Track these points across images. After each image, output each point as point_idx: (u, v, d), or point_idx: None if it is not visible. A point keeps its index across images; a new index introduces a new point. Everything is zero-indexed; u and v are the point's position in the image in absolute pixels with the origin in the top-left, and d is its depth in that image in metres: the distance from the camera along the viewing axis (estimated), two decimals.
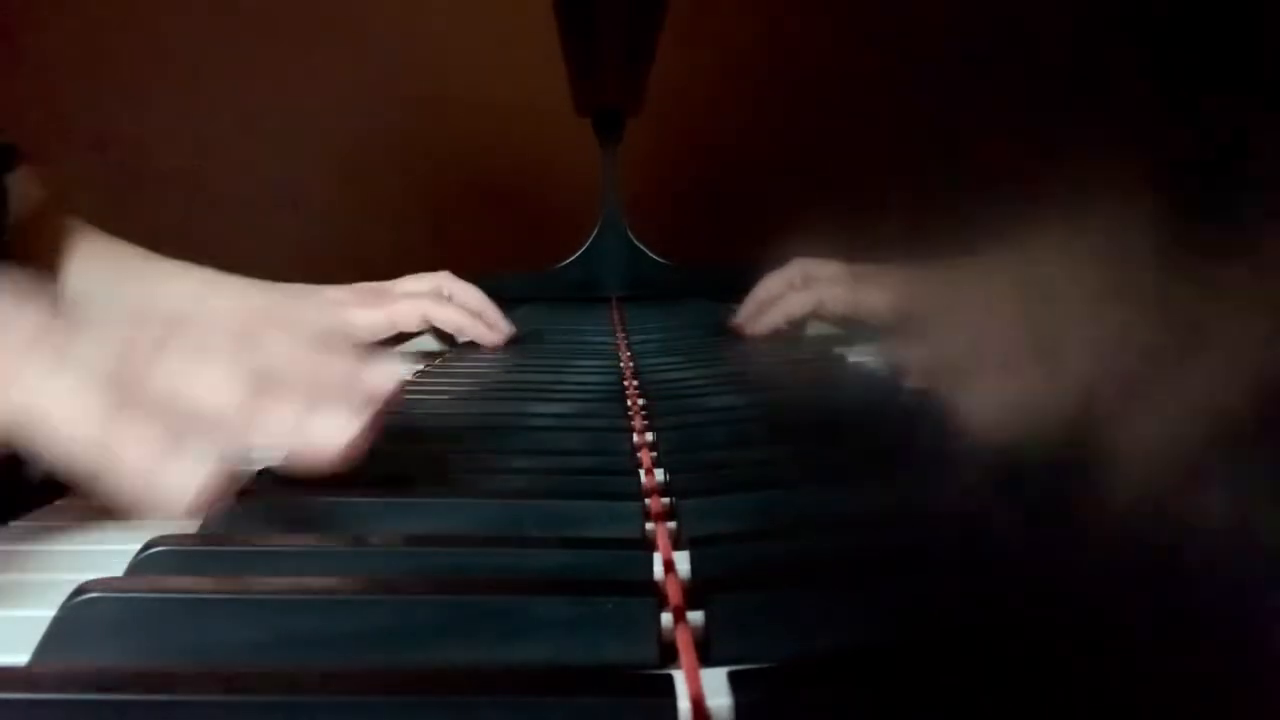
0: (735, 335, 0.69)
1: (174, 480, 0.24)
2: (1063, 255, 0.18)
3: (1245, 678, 0.13)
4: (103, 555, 0.26)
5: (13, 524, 0.31)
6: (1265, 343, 0.12)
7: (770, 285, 0.68)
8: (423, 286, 0.72)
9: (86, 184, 0.78)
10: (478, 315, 0.72)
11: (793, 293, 0.68)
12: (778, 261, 0.55)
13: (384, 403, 0.31)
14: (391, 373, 0.32)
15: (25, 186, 0.71)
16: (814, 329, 0.68)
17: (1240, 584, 0.13)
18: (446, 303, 0.71)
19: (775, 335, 0.66)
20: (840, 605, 0.21)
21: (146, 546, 0.24)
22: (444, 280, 0.73)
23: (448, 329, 0.71)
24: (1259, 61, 0.12)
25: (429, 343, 0.75)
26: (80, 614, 0.20)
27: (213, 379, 0.28)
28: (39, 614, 0.21)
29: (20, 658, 0.20)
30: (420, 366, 0.63)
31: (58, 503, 0.33)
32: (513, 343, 0.73)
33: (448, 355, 0.71)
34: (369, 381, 0.31)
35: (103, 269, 0.73)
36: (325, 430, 0.27)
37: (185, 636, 0.20)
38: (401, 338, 0.74)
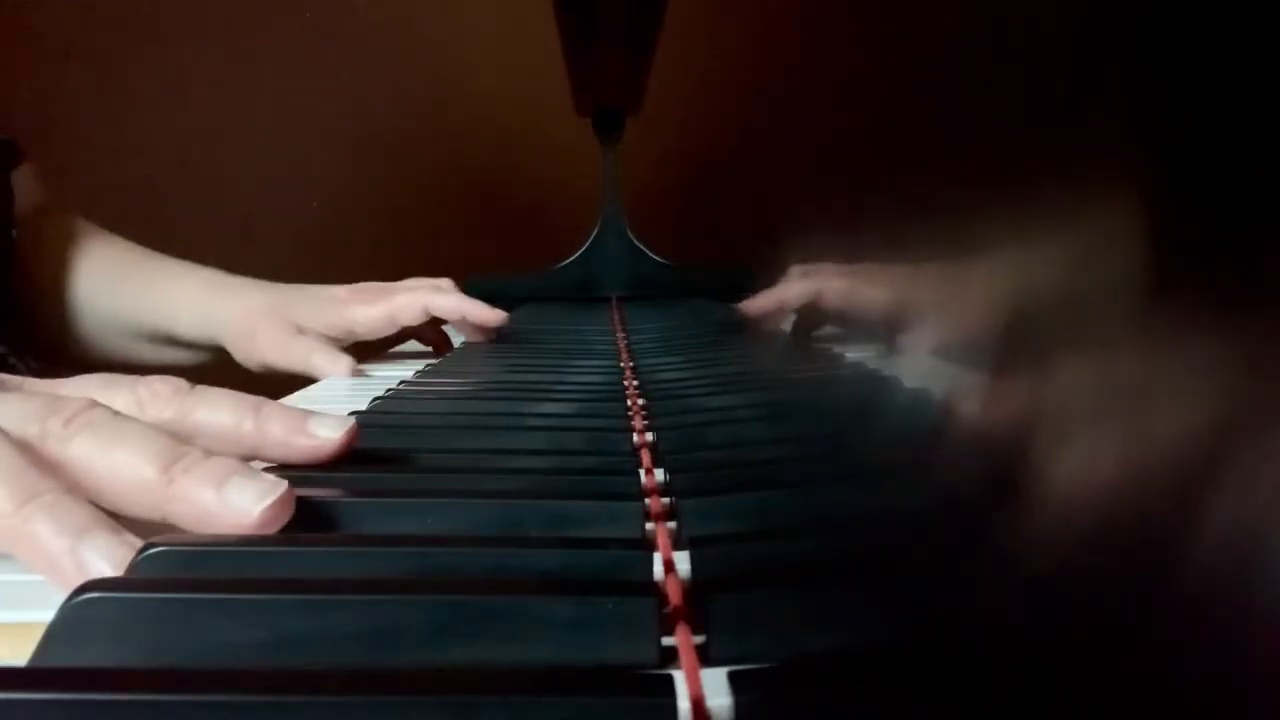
0: (732, 326, 0.69)
1: (84, 564, 0.24)
2: (1058, 254, 0.18)
3: (1245, 678, 0.13)
4: None
5: None
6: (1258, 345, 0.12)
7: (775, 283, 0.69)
8: (422, 284, 0.73)
9: (82, 183, 0.78)
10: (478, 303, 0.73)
11: (792, 280, 0.69)
12: (777, 261, 0.55)
13: (334, 452, 0.32)
14: (331, 430, 0.33)
15: (27, 184, 0.72)
16: (815, 329, 0.68)
17: (1240, 584, 0.13)
18: (446, 292, 0.71)
19: (774, 330, 0.67)
20: (840, 605, 0.21)
21: (146, 546, 0.24)
22: (444, 283, 0.74)
23: (450, 317, 0.72)
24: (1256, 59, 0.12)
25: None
26: (80, 614, 0.20)
27: (126, 455, 0.28)
28: (39, 614, 0.21)
29: (20, 658, 0.20)
30: (420, 366, 0.63)
31: None
32: (513, 343, 0.73)
33: (448, 355, 0.71)
34: (309, 439, 0.32)
35: (106, 269, 0.73)
36: (240, 499, 0.27)
37: (185, 636, 0.20)
38: (403, 336, 0.74)
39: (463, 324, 0.74)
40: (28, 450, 0.27)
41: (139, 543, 0.25)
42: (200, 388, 0.33)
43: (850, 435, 0.37)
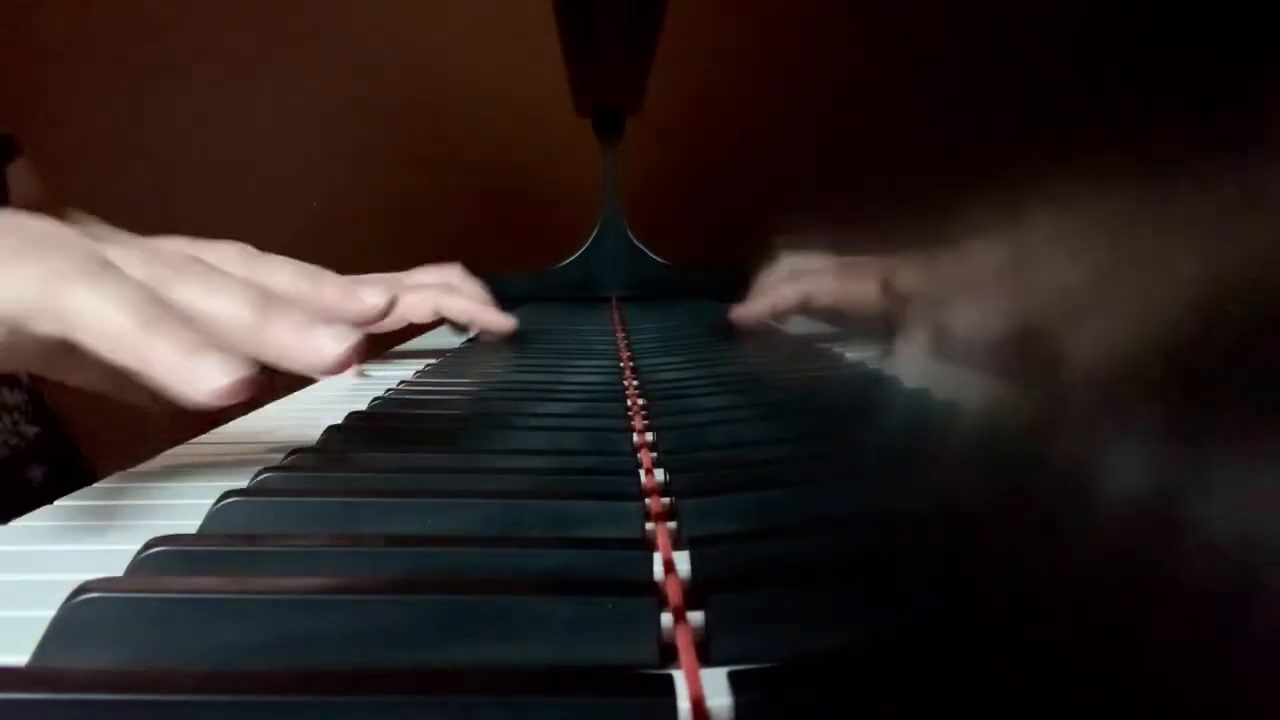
0: (730, 328, 0.70)
1: (203, 372, 0.28)
2: (1049, 246, 0.18)
3: (1245, 679, 0.13)
4: (103, 555, 0.26)
5: (13, 524, 0.31)
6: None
7: (764, 282, 0.69)
8: (431, 278, 0.73)
9: (82, 183, 0.78)
10: (487, 306, 0.72)
11: (781, 284, 0.69)
12: (771, 259, 0.55)
13: (377, 316, 0.37)
14: (377, 297, 0.38)
15: (25, 178, 0.71)
16: (810, 328, 0.68)
17: (1240, 584, 0.13)
18: (456, 293, 0.71)
19: (768, 330, 0.67)
20: (841, 605, 0.21)
21: (146, 546, 0.24)
22: (452, 274, 0.73)
23: (459, 320, 0.72)
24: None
25: (445, 335, 0.76)
26: (80, 614, 0.20)
27: (226, 300, 0.32)
28: (39, 614, 0.21)
29: (20, 658, 0.20)
30: (420, 366, 0.63)
31: (58, 503, 0.33)
32: (513, 343, 0.73)
33: (447, 355, 0.71)
34: (359, 304, 0.37)
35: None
36: (324, 343, 0.31)
37: (185, 636, 0.20)
38: (410, 331, 0.74)
39: (471, 325, 0.73)
40: (149, 285, 0.30)
41: (244, 365, 0.28)
42: (263, 254, 0.38)
43: (850, 435, 0.37)
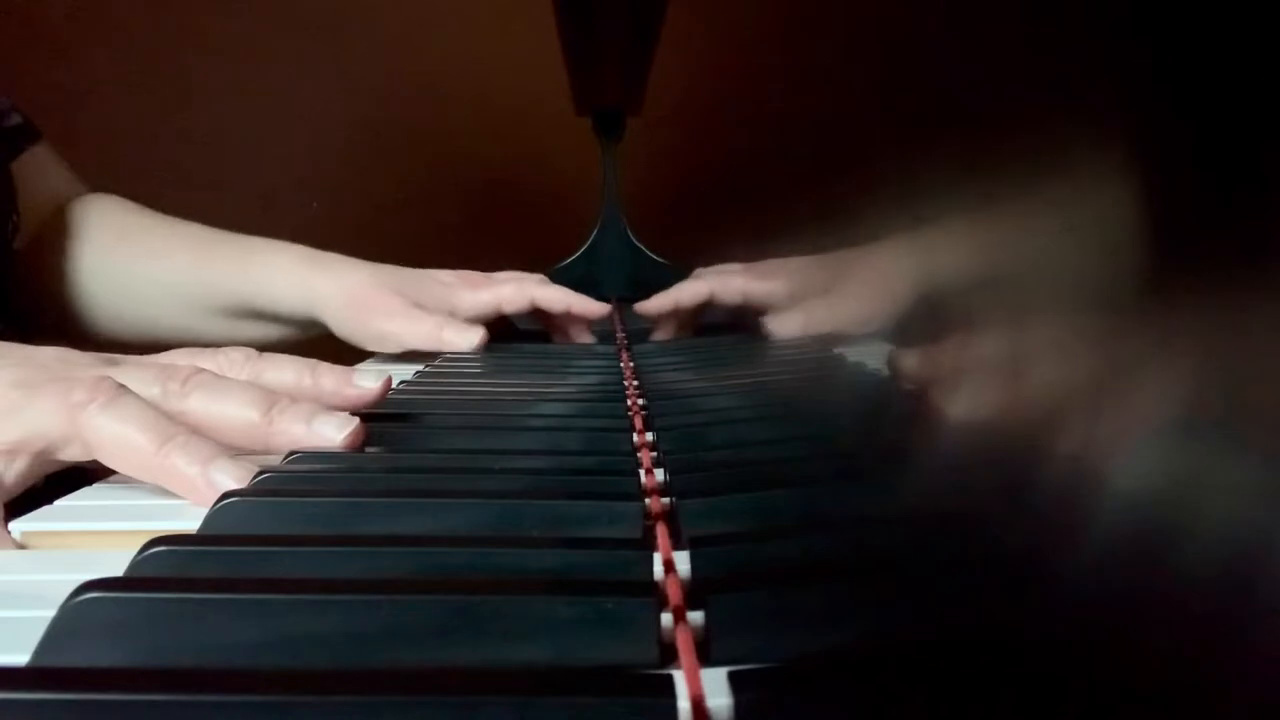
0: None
1: (216, 480, 0.32)
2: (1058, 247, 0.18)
3: (1245, 679, 0.13)
4: (103, 555, 0.26)
5: (13, 524, 0.31)
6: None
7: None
8: (522, 278, 0.76)
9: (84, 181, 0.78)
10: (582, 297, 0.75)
11: (686, 282, 0.73)
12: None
13: (375, 399, 0.41)
14: (374, 377, 0.41)
15: (45, 165, 0.71)
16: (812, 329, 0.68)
17: (1240, 584, 0.13)
18: (549, 285, 0.74)
19: (764, 332, 0.67)
20: (841, 605, 0.21)
21: (146, 546, 0.24)
22: (539, 278, 0.77)
23: (555, 309, 0.74)
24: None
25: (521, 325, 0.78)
26: (80, 614, 0.20)
27: (234, 406, 0.35)
28: (39, 614, 0.21)
29: (20, 658, 0.20)
30: (420, 366, 0.63)
31: (58, 503, 0.33)
32: (513, 343, 0.73)
33: (447, 355, 0.70)
34: (355, 390, 0.40)
35: (165, 244, 0.73)
36: (326, 431, 0.36)
37: (185, 636, 0.20)
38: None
39: (565, 318, 0.75)
40: (154, 406, 0.33)
41: (254, 466, 0.32)
42: (265, 354, 0.41)
43: (850, 435, 0.37)
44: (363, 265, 0.72)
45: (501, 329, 0.76)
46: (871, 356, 0.34)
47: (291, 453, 0.35)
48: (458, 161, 1.39)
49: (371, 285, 0.70)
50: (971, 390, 0.23)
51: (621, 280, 1.10)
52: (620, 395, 0.49)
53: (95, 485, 0.35)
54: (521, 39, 1.11)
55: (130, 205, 0.75)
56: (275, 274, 0.71)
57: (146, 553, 0.24)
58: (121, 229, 0.73)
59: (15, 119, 0.70)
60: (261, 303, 0.72)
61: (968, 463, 0.23)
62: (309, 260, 0.72)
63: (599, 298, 1.09)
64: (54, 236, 0.71)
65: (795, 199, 0.44)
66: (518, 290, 0.73)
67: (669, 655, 0.20)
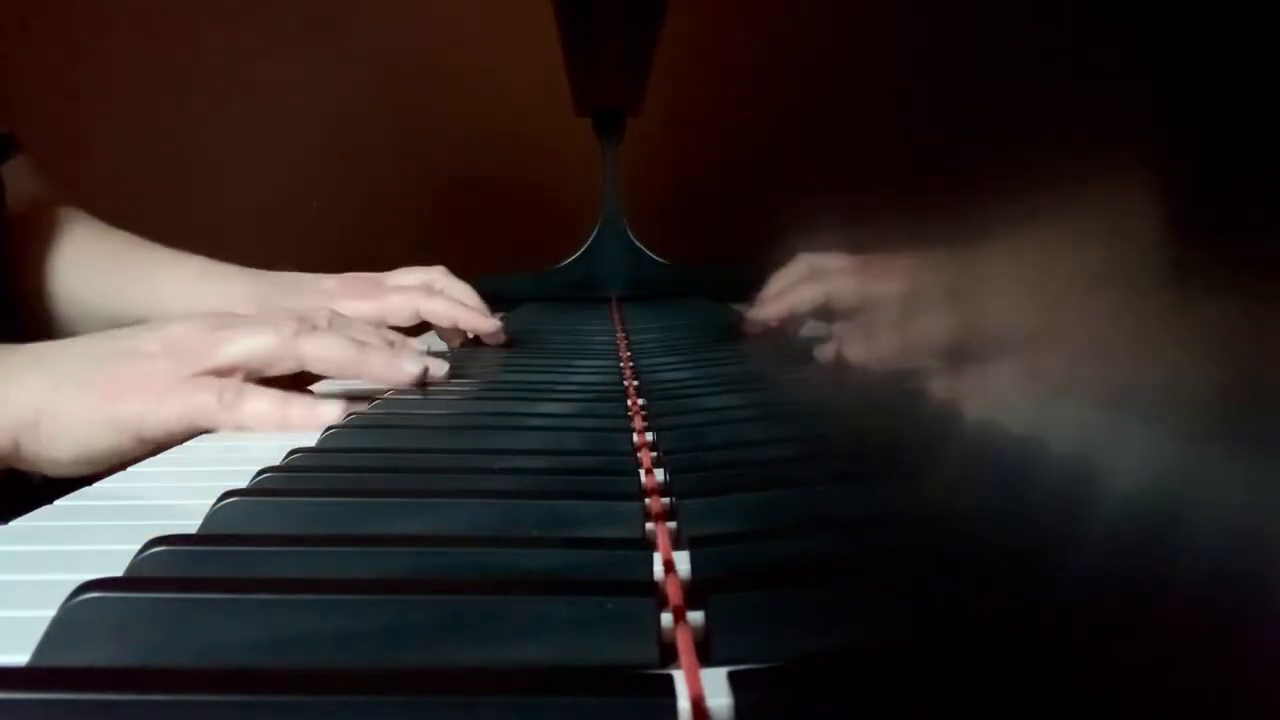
0: (743, 334, 0.69)
1: (407, 365, 0.51)
2: (1061, 248, 0.18)
3: (1244, 679, 0.13)
4: (103, 555, 0.26)
5: (13, 524, 0.31)
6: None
7: (779, 281, 0.67)
8: (413, 280, 0.71)
9: (81, 182, 0.78)
10: (471, 309, 0.70)
11: (801, 286, 0.66)
12: (781, 258, 0.55)
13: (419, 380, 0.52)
14: (414, 365, 0.52)
15: (22, 175, 0.71)
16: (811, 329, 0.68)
17: (1240, 584, 0.13)
18: (438, 296, 0.69)
19: (782, 334, 0.66)
20: (841, 605, 0.21)
21: (146, 546, 0.24)
22: (437, 275, 0.71)
23: (440, 323, 0.69)
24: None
25: (433, 340, 0.75)
26: (80, 614, 0.20)
27: (339, 346, 0.49)
28: (39, 614, 0.21)
29: (20, 658, 0.20)
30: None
31: (58, 503, 0.33)
32: (513, 343, 0.73)
33: (447, 355, 0.70)
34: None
35: (98, 259, 0.72)
36: (405, 364, 0.51)
37: (185, 636, 0.20)
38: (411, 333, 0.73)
39: (454, 331, 0.70)
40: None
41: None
42: (345, 318, 0.54)
43: (850, 435, 0.37)
44: (249, 278, 0.69)
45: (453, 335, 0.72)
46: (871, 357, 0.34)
47: (293, 451, 0.35)
48: (458, 162, 1.39)
49: (247, 301, 0.66)
50: (971, 390, 0.23)
51: (621, 280, 1.10)
52: (620, 395, 0.49)
53: (95, 485, 0.35)
54: (522, 40, 1.11)
55: (84, 218, 0.74)
56: (175, 290, 0.69)
57: (146, 553, 0.24)
58: (55, 241, 0.71)
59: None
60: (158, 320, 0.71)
61: (967, 463, 0.23)
62: (202, 276, 0.69)
63: (599, 298, 1.09)
64: (20, 245, 0.70)
65: (794, 199, 0.44)
66: (404, 302, 0.67)
67: (669, 655, 0.20)
